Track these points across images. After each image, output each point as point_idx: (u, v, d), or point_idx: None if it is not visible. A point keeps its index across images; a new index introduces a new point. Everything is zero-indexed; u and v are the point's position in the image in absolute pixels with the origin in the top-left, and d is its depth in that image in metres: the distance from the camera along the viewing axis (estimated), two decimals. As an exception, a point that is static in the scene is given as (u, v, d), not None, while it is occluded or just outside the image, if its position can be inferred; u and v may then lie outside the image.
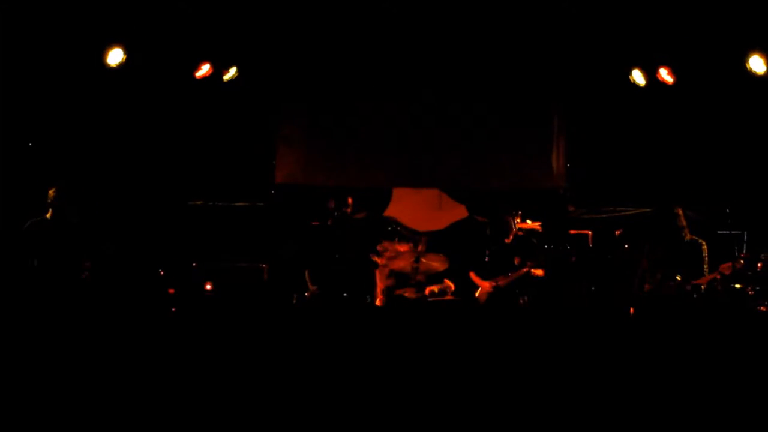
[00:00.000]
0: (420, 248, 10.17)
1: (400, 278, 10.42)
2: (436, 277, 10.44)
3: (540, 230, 10.62)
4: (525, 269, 9.70)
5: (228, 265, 10.60)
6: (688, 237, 9.01)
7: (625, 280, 9.60)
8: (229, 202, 11.47)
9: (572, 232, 11.05)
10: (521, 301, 9.62)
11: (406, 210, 11.54)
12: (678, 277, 8.73)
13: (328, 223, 10.18)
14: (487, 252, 10.25)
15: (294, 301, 10.15)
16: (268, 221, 11.31)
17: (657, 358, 7.65)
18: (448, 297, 10.29)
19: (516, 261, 9.81)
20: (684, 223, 8.99)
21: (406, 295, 10.23)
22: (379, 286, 10.36)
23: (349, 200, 10.20)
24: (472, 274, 10.11)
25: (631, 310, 9.00)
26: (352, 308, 9.73)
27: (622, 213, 11.30)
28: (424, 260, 10.12)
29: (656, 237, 9.17)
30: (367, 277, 10.16)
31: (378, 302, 10.24)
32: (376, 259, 10.13)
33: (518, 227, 10.20)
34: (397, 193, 11.75)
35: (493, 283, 9.79)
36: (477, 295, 10.04)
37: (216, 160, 11.50)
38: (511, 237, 10.02)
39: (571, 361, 7.68)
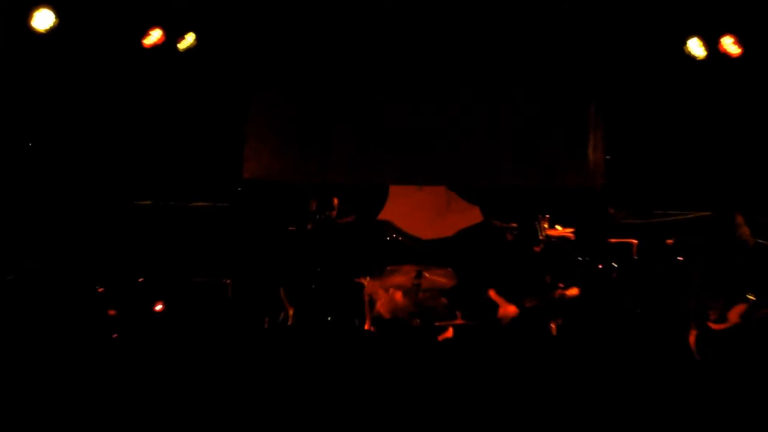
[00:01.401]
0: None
1: (400, 299, 9.63)
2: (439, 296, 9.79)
3: (572, 238, 9.66)
4: (558, 291, 8.81)
5: (183, 280, 10.00)
6: (751, 241, 8.42)
7: (679, 300, 8.92)
8: (185, 201, 10.79)
9: (612, 240, 10.40)
10: (552, 325, 8.68)
11: (405, 213, 10.87)
12: (750, 296, 7.95)
13: (308, 228, 9.32)
14: (508, 265, 9.25)
15: (266, 326, 9.47)
16: (233, 226, 10.55)
17: (729, 404, 6.91)
18: (459, 321, 9.42)
19: (548, 279, 8.91)
20: (746, 232, 8.36)
21: (407, 319, 9.43)
22: (372, 307, 9.52)
23: (335, 201, 9.35)
24: (492, 293, 9.11)
25: (691, 338, 8.13)
26: (338, 335, 8.92)
27: (675, 217, 10.50)
28: (427, 275, 9.43)
29: (713, 246, 8.49)
30: (356, 296, 9.38)
31: (369, 327, 9.42)
32: (363, 281, 9.46)
33: (547, 234, 9.23)
34: (395, 192, 10.97)
35: (518, 305, 8.86)
36: (498, 316, 9.06)
37: (169, 150, 10.75)
38: (540, 246, 9.07)
39: (615, 404, 6.99)
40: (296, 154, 10.71)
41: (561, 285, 8.93)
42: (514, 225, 9.85)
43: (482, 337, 9.29)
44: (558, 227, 9.75)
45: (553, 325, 8.87)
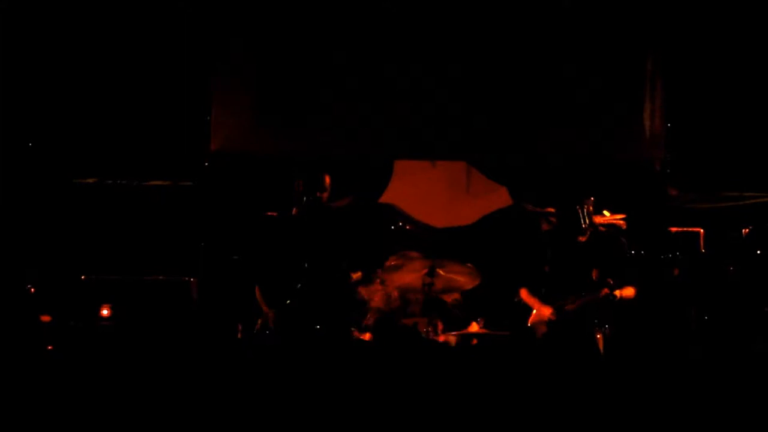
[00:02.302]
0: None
1: (405, 300, 9.20)
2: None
3: (624, 226, 8.74)
4: (606, 290, 8.13)
5: (136, 279, 9.41)
6: None
7: (758, 305, 8.81)
8: (137, 180, 10.20)
9: (674, 229, 9.81)
10: (598, 335, 8.03)
11: (414, 195, 10.31)
12: None
13: (293, 213, 8.44)
14: (545, 259, 8.64)
15: (239, 335, 8.77)
16: (198, 210, 9.90)
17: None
18: (479, 329, 8.68)
19: (594, 275, 8.23)
20: None
21: (418, 326, 8.93)
22: (371, 311, 8.92)
23: (326, 180, 8.46)
24: (524, 293, 8.49)
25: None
26: (330, 347, 8.17)
27: (752, 200, 9.93)
28: (441, 272, 8.74)
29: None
30: (351, 298, 8.69)
31: (368, 337, 8.74)
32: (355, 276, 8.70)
33: (592, 221, 8.53)
34: (401, 169, 10.29)
35: (556, 308, 8.25)
36: (530, 323, 8.47)
37: (119, 117, 10.08)
38: (586, 236, 8.37)
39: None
40: (277, 121, 9.96)
41: (610, 283, 8.11)
42: (551, 210, 9.02)
43: (509, 349, 8.54)
44: (606, 213, 8.70)
45: (599, 336, 8.05)
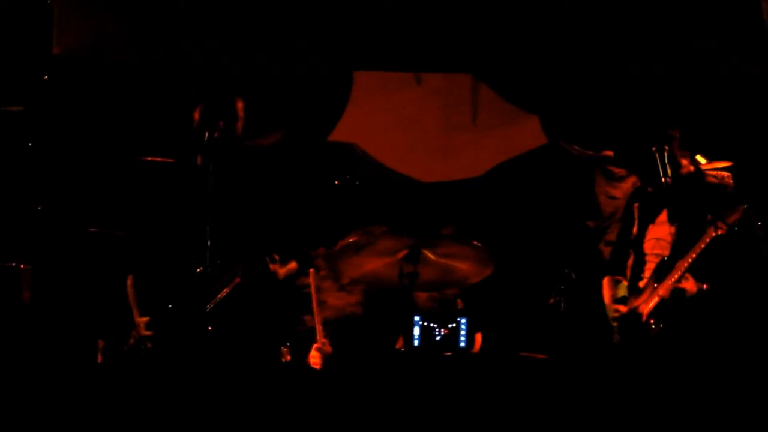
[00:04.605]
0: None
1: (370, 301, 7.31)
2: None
3: (729, 181, 6.83)
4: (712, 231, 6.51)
5: None
6: None
7: None
8: None
9: None
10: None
11: (386, 129, 8.29)
12: None
13: (190, 160, 6.34)
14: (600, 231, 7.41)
15: (98, 358, 6.77)
16: (34, 153, 7.72)
17: None
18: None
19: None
20: None
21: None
22: (317, 318, 6.78)
23: (238, 104, 6.46)
24: (606, 283, 6.88)
25: None
26: (249, 377, 6.17)
27: None
28: (430, 255, 6.50)
29: None
30: (286, 294, 6.58)
31: (313, 360, 6.76)
32: (276, 268, 6.38)
33: (680, 172, 6.55)
34: (365, 85, 8.03)
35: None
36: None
37: None
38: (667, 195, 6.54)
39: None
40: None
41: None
42: (610, 153, 7.53)
43: (551, 384, 6.49)
44: (700, 158, 6.63)
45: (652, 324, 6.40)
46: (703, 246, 6.31)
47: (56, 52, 7.84)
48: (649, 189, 6.58)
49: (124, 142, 7.61)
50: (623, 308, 6.49)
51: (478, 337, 6.77)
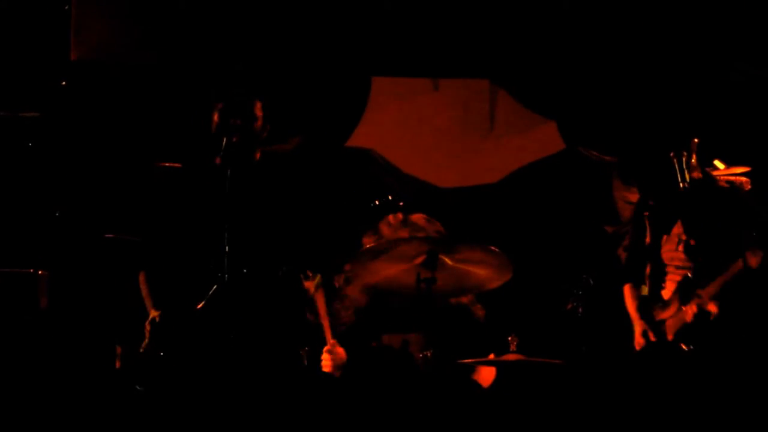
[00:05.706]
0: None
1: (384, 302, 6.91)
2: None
3: (747, 185, 6.82)
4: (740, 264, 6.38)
5: None
6: None
7: None
8: None
9: None
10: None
11: (404, 135, 8.42)
12: None
13: (216, 162, 6.32)
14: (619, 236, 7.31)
15: (117, 363, 6.80)
16: (49, 158, 7.67)
17: None
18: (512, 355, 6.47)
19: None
20: None
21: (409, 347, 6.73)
22: (325, 322, 6.54)
23: (256, 106, 6.41)
24: (628, 291, 6.84)
25: None
26: (268, 386, 6.14)
27: None
28: (448, 261, 6.38)
29: None
30: (301, 298, 6.45)
31: (324, 364, 6.62)
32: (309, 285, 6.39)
33: (697, 175, 6.57)
34: (382, 90, 8.19)
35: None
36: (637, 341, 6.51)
37: None
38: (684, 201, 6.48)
39: None
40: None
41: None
42: (624, 160, 7.63)
43: (568, 390, 6.74)
44: (718, 163, 6.62)
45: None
46: (728, 278, 6.35)
47: (73, 57, 7.89)
48: (651, 202, 6.60)
49: (141, 147, 7.59)
50: (649, 319, 6.44)
51: (491, 372, 6.74)
